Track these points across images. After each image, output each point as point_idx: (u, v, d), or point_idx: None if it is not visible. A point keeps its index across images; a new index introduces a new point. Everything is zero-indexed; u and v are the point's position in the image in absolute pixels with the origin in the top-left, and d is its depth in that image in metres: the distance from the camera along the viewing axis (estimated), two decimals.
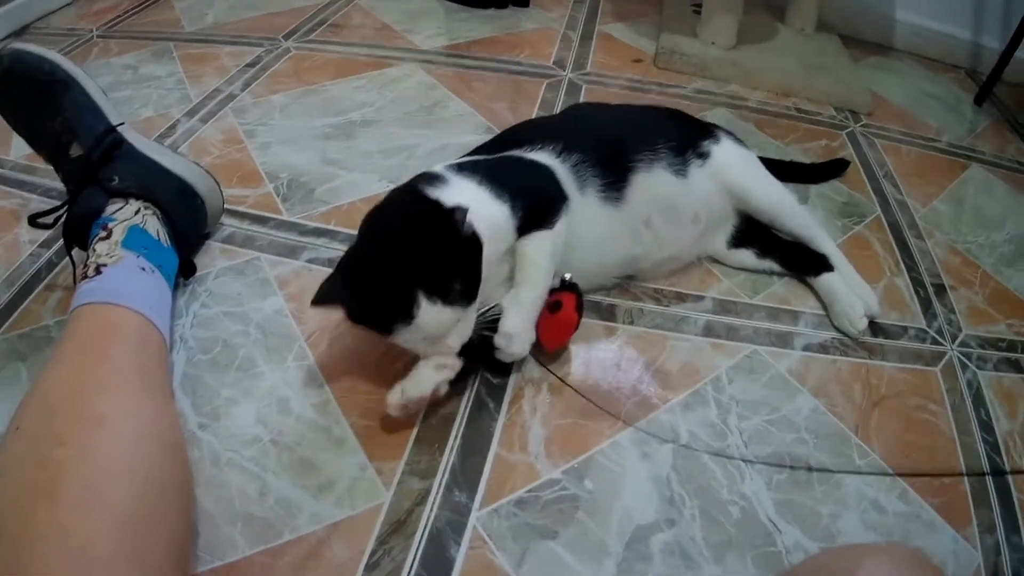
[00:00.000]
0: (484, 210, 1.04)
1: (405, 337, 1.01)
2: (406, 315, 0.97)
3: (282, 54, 2.14)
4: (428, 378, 1.03)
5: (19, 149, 1.67)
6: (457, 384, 1.11)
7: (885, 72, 2.35)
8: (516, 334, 1.04)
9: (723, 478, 1.03)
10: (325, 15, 2.43)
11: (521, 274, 1.08)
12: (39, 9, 2.42)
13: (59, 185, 1.31)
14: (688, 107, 1.90)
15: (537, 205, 1.12)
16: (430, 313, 0.97)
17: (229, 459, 1.02)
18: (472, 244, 1.01)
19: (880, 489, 1.04)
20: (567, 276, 1.12)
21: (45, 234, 1.38)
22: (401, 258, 0.98)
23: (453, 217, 0.96)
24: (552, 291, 1.11)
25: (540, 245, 1.09)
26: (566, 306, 1.10)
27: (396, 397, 1.01)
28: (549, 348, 1.14)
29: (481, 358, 1.11)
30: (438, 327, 0.99)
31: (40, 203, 1.51)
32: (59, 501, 0.75)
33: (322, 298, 1.01)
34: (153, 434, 0.89)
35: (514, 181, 1.14)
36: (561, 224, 1.12)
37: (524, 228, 1.10)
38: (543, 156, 1.21)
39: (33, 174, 1.59)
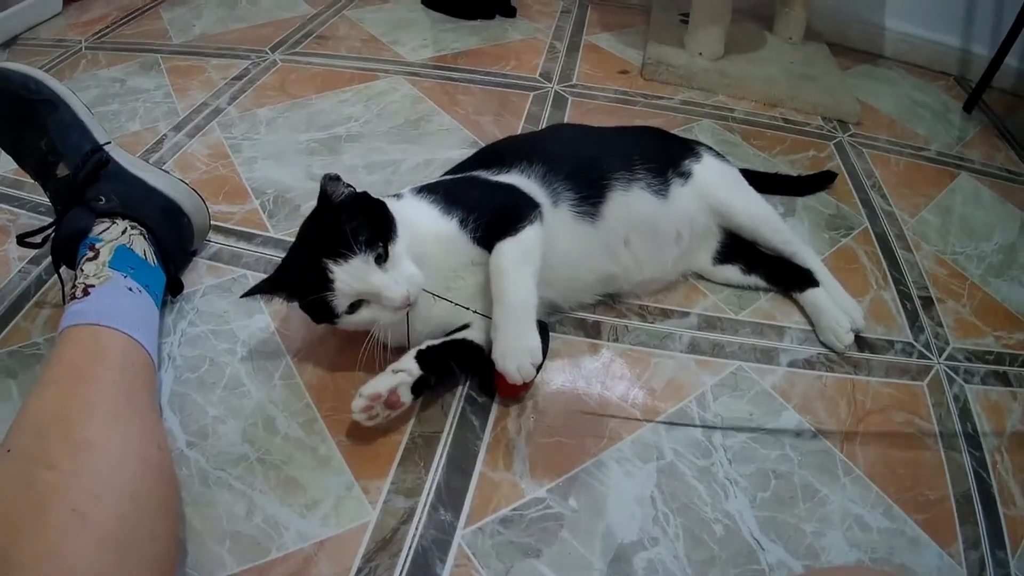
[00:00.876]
0: (428, 224, 1.13)
1: (352, 320, 1.07)
2: (326, 284, 1.02)
3: (269, 66, 2.15)
4: (382, 379, 1.05)
5: (6, 164, 1.63)
6: (442, 395, 1.14)
7: (874, 80, 2.35)
8: (503, 355, 1.04)
9: (707, 496, 1.03)
10: (312, 27, 2.44)
11: (494, 288, 1.08)
12: (28, 20, 2.42)
13: (48, 201, 1.31)
14: (674, 119, 1.92)
15: (495, 218, 1.12)
16: (343, 272, 1.02)
17: (217, 478, 1.03)
18: (356, 201, 1.08)
19: (865, 506, 1.04)
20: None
21: (34, 251, 1.38)
22: (304, 241, 1.11)
23: (323, 188, 1.05)
24: None
25: (503, 252, 1.09)
26: None
27: (356, 402, 1.03)
28: (502, 395, 1.15)
29: (464, 368, 1.15)
30: (359, 282, 1.02)
31: (29, 218, 1.52)
32: (47, 524, 0.76)
33: (251, 291, 1.09)
34: (139, 455, 0.90)
35: (469, 198, 1.17)
36: (530, 231, 1.12)
37: (486, 240, 1.11)
38: (510, 175, 1.23)
39: (21, 188, 1.59)
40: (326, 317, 1.08)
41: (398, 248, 1.06)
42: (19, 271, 1.38)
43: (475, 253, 1.12)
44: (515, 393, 1.15)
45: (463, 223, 1.13)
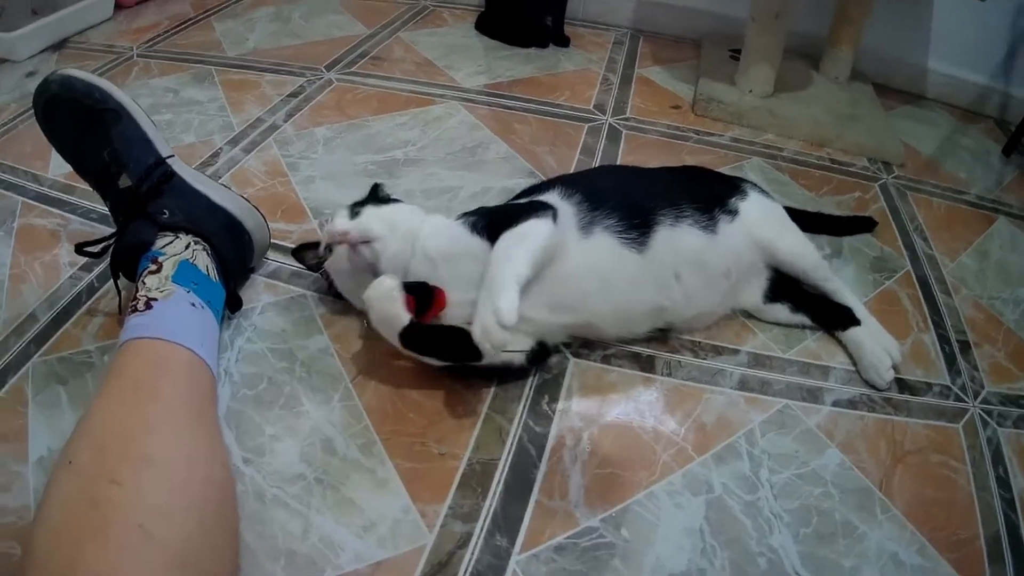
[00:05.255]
0: (443, 231, 1.26)
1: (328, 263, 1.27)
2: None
3: (324, 85, 2.18)
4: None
5: (58, 167, 1.70)
6: (499, 423, 1.17)
7: (916, 122, 2.36)
8: (476, 325, 1.06)
9: (753, 530, 1.06)
10: (367, 47, 2.47)
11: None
12: (78, 24, 2.47)
13: (99, 207, 1.34)
14: (725, 156, 1.95)
15: (501, 217, 1.20)
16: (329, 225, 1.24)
17: (273, 496, 1.04)
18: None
19: (900, 543, 1.07)
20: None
21: (86, 259, 1.39)
22: None
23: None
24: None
25: (499, 240, 1.15)
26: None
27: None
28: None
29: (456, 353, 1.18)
30: (329, 226, 1.24)
31: (80, 224, 1.55)
32: (109, 540, 0.75)
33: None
34: (204, 475, 0.90)
35: (487, 209, 1.31)
36: (532, 223, 1.17)
37: (493, 240, 1.17)
38: (542, 196, 1.30)
39: (72, 193, 1.63)
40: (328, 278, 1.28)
41: (370, 209, 1.25)
42: (70, 277, 1.40)
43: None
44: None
45: (474, 226, 1.20)
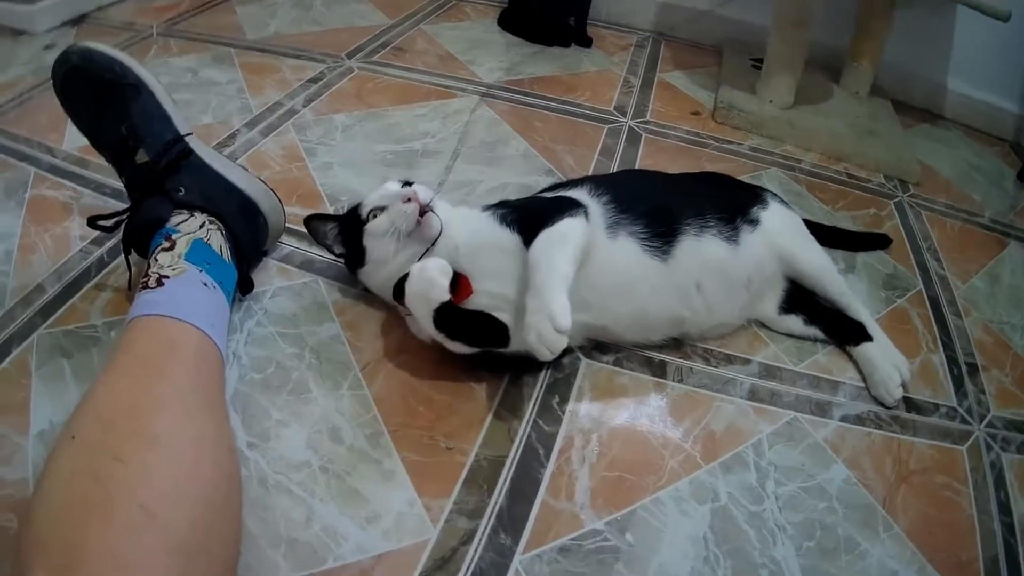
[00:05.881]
0: (474, 225, 1.26)
1: (372, 227, 1.24)
2: (358, 207, 1.28)
3: (345, 73, 2.19)
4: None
5: (72, 140, 1.71)
6: (510, 420, 1.18)
7: (933, 141, 2.35)
8: (527, 329, 1.07)
9: (757, 541, 1.07)
10: (388, 37, 2.48)
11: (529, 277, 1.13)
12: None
13: (112, 181, 1.33)
14: (743, 165, 1.96)
15: (534, 215, 1.21)
16: (373, 194, 1.27)
17: (277, 482, 1.04)
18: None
19: (901, 562, 1.07)
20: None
21: (96, 232, 1.37)
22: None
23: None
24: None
25: (537, 240, 1.15)
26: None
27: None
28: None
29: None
30: (382, 190, 1.27)
31: (92, 197, 1.55)
32: (113, 519, 0.74)
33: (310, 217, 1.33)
34: (212, 458, 0.88)
35: (515, 203, 1.30)
36: (568, 221, 1.18)
37: (526, 236, 1.17)
38: (568, 192, 1.31)
39: (86, 167, 1.63)
40: (358, 246, 1.25)
41: (420, 186, 1.25)
42: (80, 250, 1.40)
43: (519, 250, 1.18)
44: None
45: (503, 219, 1.22)
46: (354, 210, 1.28)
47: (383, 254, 1.23)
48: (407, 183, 1.27)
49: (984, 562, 1.11)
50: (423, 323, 1.14)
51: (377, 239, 1.23)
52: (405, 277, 1.15)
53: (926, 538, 1.12)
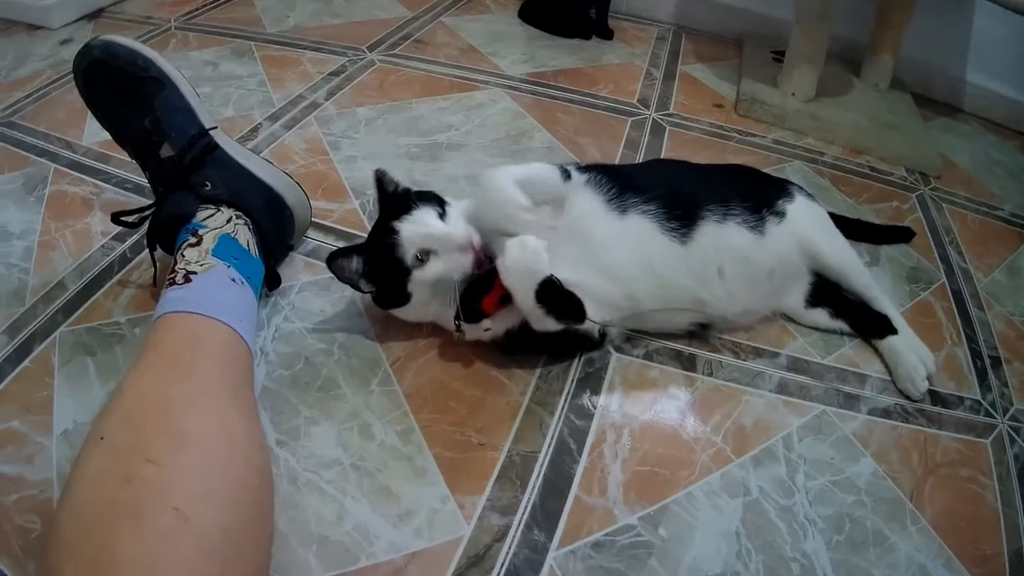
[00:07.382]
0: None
1: (422, 275, 1.16)
2: (393, 238, 1.15)
3: (367, 66, 2.20)
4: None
5: (92, 135, 1.72)
6: (541, 415, 1.19)
7: (953, 134, 2.35)
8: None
9: (787, 535, 1.08)
10: (410, 30, 2.49)
11: None
12: None
13: (135, 176, 1.34)
14: (767, 158, 1.96)
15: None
16: (407, 225, 1.15)
17: (307, 480, 1.04)
18: (407, 189, 1.26)
19: (928, 555, 1.08)
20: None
21: (119, 228, 1.33)
22: (375, 225, 1.23)
23: (379, 179, 1.26)
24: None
25: None
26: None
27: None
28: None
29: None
30: (423, 227, 1.14)
31: (114, 193, 1.56)
32: (145, 521, 0.72)
33: (333, 255, 1.20)
34: (243, 457, 0.86)
35: None
36: (528, 166, 1.22)
37: None
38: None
39: (107, 162, 1.64)
40: (397, 288, 1.18)
41: (455, 210, 1.20)
42: (102, 246, 1.41)
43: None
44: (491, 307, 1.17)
45: None
46: (380, 234, 1.19)
47: (429, 296, 1.21)
48: (442, 202, 1.22)
49: (1008, 556, 1.12)
50: (520, 297, 1.12)
51: (427, 286, 1.18)
52: None
53: (952, 531, 1.13)
